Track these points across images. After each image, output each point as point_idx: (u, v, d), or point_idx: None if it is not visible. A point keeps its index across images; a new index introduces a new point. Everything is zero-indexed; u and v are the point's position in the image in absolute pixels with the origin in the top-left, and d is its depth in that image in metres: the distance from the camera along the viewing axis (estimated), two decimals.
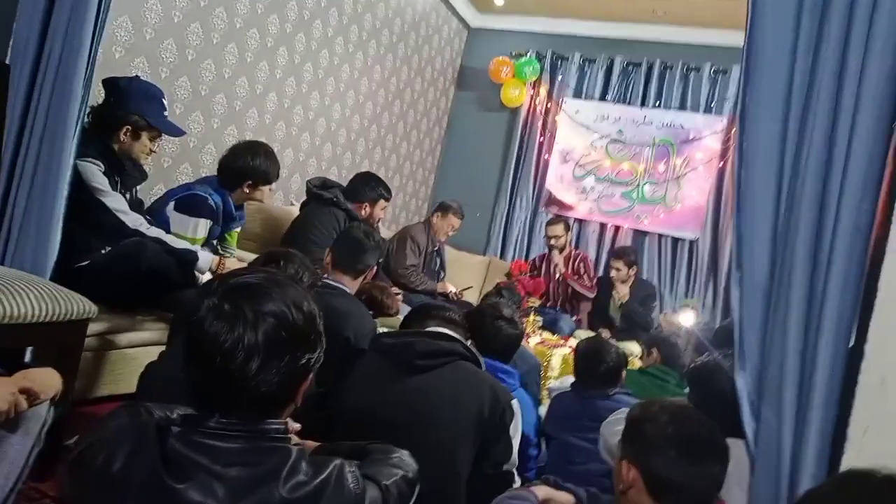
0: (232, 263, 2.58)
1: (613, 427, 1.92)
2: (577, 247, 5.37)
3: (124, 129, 2.30)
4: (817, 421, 1.35)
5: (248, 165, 2.69)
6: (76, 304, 1.89)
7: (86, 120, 2.14)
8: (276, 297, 1.00)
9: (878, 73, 1.35)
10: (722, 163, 5.22)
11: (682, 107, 5.38)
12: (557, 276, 4.77)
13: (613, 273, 4.62)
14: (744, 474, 1.49)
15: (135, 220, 2.29)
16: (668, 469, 1.26)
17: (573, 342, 3.83)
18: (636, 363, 3.39)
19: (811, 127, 1.43)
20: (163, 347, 2.40)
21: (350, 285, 2.35)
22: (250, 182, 2.72)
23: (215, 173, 2.78)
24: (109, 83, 2.33)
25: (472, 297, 4.72)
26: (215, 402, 1.01)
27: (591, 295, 4.76)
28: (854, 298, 1.37)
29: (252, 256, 3.10)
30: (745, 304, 1.52)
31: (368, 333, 2.09)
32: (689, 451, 1.28)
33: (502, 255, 5.77)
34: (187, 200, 2.59)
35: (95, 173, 2.21)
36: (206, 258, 2.45)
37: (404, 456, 1.24)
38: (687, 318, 4.43)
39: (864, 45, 1.38)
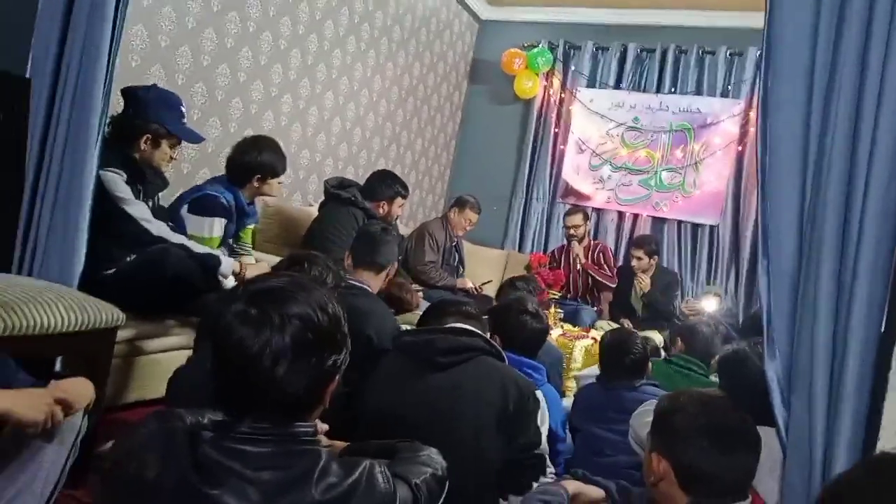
0: (252, 266, 2.60)
1: (643, 419, 1.91)
2: (595, 237, 5.34)
3: (144, 138, 2.33)
4: (849, 409, 1.33)
5: (255, 160, 2.72)
6: (105, 313, 1.91)
7: (106, 130, 2.16)
8: (301, 300, 1.01)
9: None
10: (740, 147, 5.16)
11: (699, 91, 5.32)
12: (578, 266, 4.75)
13: (634, 262, 4.59)
14: (776, 463, 1.48)
15: (159, 228, 2.32)
16: (698, 460, 1.26)
17: (595, 333, 3.82)
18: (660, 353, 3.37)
19: (835, 110, 1.40)
20: (190, 352, 2.43)
21: (372, 283, 2.36)
22: (259, 176, 2.74)
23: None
24: (128, 93, 2.35)
25: (492, 291, 4.71)
26: (244, 406, 1.01)
27: (613, 285, 4.73)
28: (884, 284, 1.35)
29: (272, 258, 3.14)
30: (773, 292, 1.50)
31: (391, 332, 2.10)
32: (719, 441, 1.27)
33: (520, 248, 5.75)
34: (200, 201, 2.62)
35: (118, 183, 2.23)
36: (228, 262, 2.48)
37: (433, 453, 1.25)
38: (710, 304, 4.40)
39: (888, 24, 1.35)
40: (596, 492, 1.51)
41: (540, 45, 5.72)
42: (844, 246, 1.38)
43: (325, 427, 1.38)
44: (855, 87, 1.38)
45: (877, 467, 0.95)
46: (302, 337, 0.99)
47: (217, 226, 2.62)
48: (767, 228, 1.52)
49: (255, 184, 2.75)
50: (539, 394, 1.63)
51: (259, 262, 2.68)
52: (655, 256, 4.65)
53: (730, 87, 5.23)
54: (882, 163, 1.34)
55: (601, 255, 4.80)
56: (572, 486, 1.46)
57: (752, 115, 5.10)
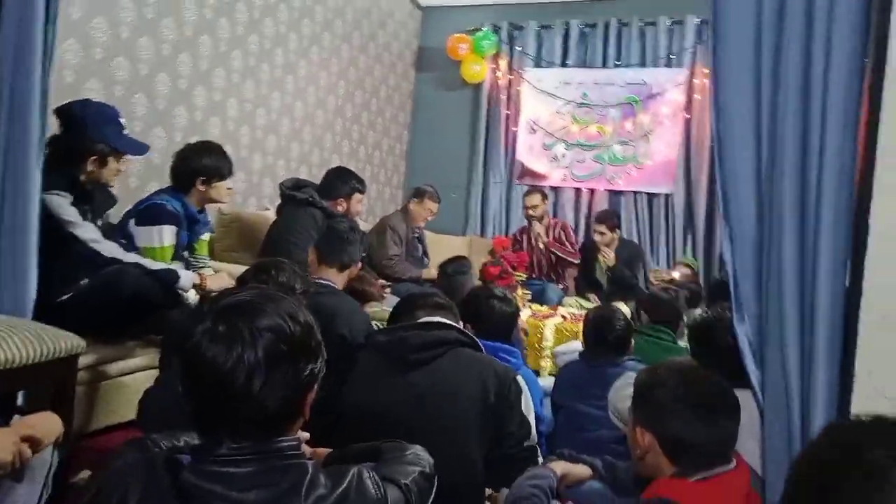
0: (212, 277, 2.54)
1: (621, 392, 1.92)
2: (555, 215, 5.38)
3: (90, 160, 2.25)
4: (823, 364, 1.36)
5: (197, 164, 2.66)
6: (63, 342, 1.84)
7: (45, 151, 2.07)
8: (270, 312, 0.99)
9: (847, 8, 1.35)
10: (688, 114, 5.24)
11: (643, 63, 5.38)
12: (541, 246, 4.78)
13: (598, 237, 4.64)
14: (754, 425, 1.50)
15: (110, 249, 2.25)
16: (683, 431, 1.27)
17: (563, 310, 3.85)
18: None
19: (785, 71, 1.42)
20: (155, 371, 2.37)
21: (337, 280, 2.34)
22: (203, 178, 2.66)
23: None
24: (62, 112, 2.25)
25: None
26: (221, 425, 0.98)
27: (576, 261, 4.78)
28: (846, 237, 1.37)
29: (233, 267, 3.07)
30: (737, 257, 1.52)
31: (363, 327, 2.08)
32: (702, 410, 1.28)
33: (482, 233, 5.77)
34: (146, 211, 2.55)
35: (63, 205, 2.15)
36: (187, 276, 2.42)
37: (419, 451, 1.24)
38: (679, 274, 4.47)
39: None
40: (583, 470, 1.52)
41: (484, 29, 5.71)
42: (804, 204, 1.41)
43: (307, 436, 1.35)
44: (803, 45, 1.39)
45: (836, 437, 0.97)
46: (275, 349, 0.96)
47: (167, 234, 2.54)
48: (727, 194, 1.53)
49: (201, 187, 2.67)
50: (519, 378, 1.62)
51: (219, 273, 2.61)
52: (617, 230, 4.71)
53: (672, 57, 5.31)
54: (835, 117, 1.36)
55: (562, 232, 4.84)
56: (560, 466, 1.46)
57: (697, 82, 5.19)
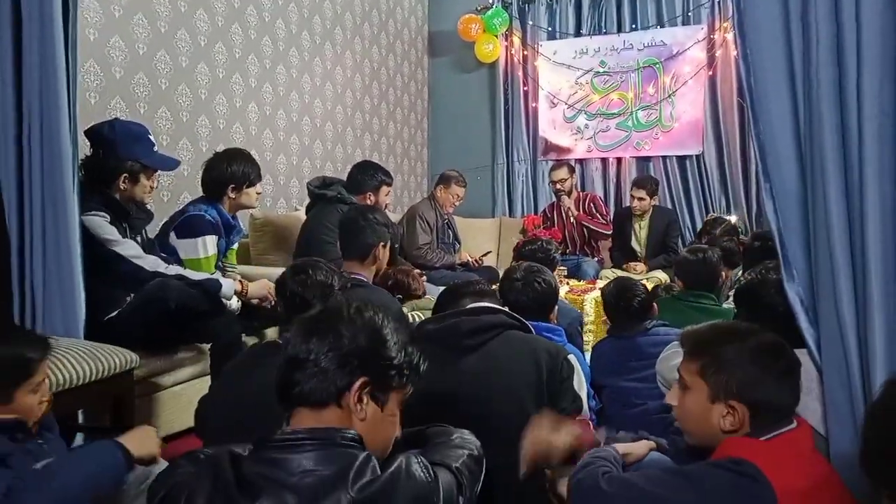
0: (252, 284, 2.57)
1: (669, 362, 1.90)
2: (583, 188, 5.32)
3: (122, 178, 2.29)
4: (879, 316, 1.32)
5: (225, 172, 2.70)
6: (118, 357, 1.89)
7: (80, 174, 2.11)
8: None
9: None
10: (711, 71, 5.12)
11: (660, 23, 5.26)
12: (571, 220, 4.74)
13: (636, 203, 4.57)
14: (812, 383, 1.47)
15: (153, 263, 2.29)
16: (769, 393, 1.21)
17: (601, 284, 3.81)
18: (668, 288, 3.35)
19: (815, 17, 1.37)
20: (207, 379, 2.42)
21: (363, 271, 2.34)
22: (233, 186, 2.70)
23: None
24: (93, 133, 2.30)
25: (492, 261, 4.70)
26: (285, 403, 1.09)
27: (608, 232, 4.72)
28: (892, 182, 1.33)
29: (269, 270, 3.11)
30: (782, 213, 1.49)
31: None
32: (782, 370, 1.24)
33: (511, 213, 5.73)
34: (185, 224, 2.60)
35: (102, 225, 2.19)
36: (228, 284, 2.45)
37: (465, 434, 1.25)
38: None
39: None
40: (642, 447, 1.50)
41: (494, 6, 5.64)
42: (846, 154, 1.36)
43: None
44: None
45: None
46: (372, 324, 1.10)
47: (210, 244, 2.59)
48: (765, 150, 1.50)
49: (231, 195, 2.71)
50: (572, 358, 1.62)
51: (259, 280, 2.65)
52: (656, 196, 4.64)
53: (690, 14, 5.18)
54: (871, 62, 1.31)
55: (591, 204, 4.78)
56: (620, 447, 1.45)
57: (716, 37, 5.07)
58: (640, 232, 4.67)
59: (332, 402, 1.05)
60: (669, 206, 5.17)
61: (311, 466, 0.98)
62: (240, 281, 2.59)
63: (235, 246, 2.95)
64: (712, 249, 2.86)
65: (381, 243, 2.41)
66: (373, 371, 1.08)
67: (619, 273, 4.36)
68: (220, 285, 2.39)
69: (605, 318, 2.75)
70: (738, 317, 1.99)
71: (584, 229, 4.73)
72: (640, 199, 4.54)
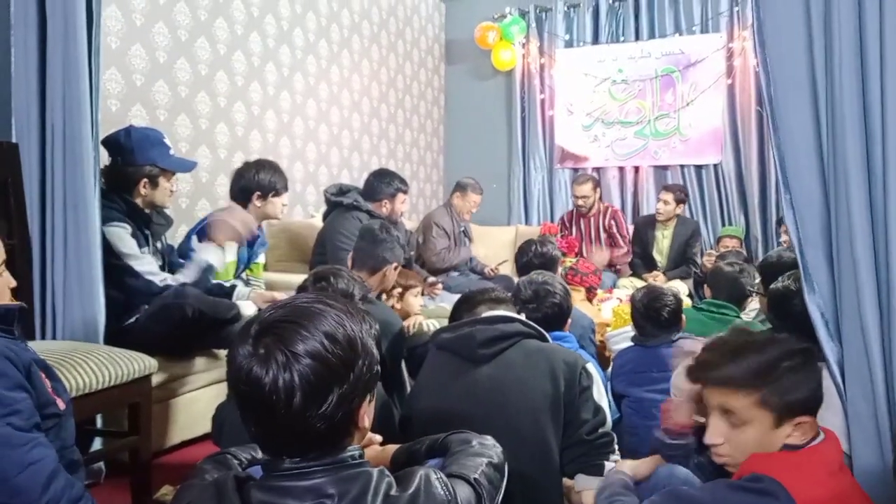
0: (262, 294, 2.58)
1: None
2: (600, 198, 5.28)
3: (142, 183, 2.31)
4: None
5: (252, 180, 2.73)
6: (136, 363, 1.90)
7: (101, 182, 2.14)
8: (307, 334, 0.95)
9: None
10: (730, 80, 5.09)
11: (678, 32, 5.24)
12: (591, 232, 4.70)
13: (661, 206, 4.53)
14: (831, 398, 1.44)
15: (164, 279, 2.30)
16: (798, 392, 1.20)
17: (618, 293, 3.79)
18: (688, 303, 3.33)
19: (837, 25, 1.36)
20: (224, 385, 2.42)
21: (369, 282, 2.33)
22: (259, 194, 2.73)
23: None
24: (109, 142, 2.31)
25: (508, 270, 4.69)
26: (279, 441, 0.97)
27: (627, 260, 4.66)
28: None
29: (288, 278, 3.12)
30: (802, 224, 1.47)
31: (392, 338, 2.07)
32: (815, 376, 1.23)
33: (527, 222, 5.71)
34: (207, 228, 2.60)
35: (122, 237, 2.21)
36: (242, 288, 2.47)
37: (485, 441, 1.22)
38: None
39: None
40: (649, 464, 1.48)
41: (511, 14, 5.64)
42: (870, 162, 1.35)
43: (379, 438, 1.36)
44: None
45: None
46: (310, 372, 0.93)
47: (229, 250, 2.61)
48: (785, 160, 1.48)
49: (257, 203, 2.74)
50: (590, 366, 1.60)
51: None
52: (682, 204, 4.60)
53: (708, 23, 5.15)
54: (894, 64, 1.30)
55: (612, 221, 4.71)
56: (627, 468, 1.43)
57: (735, 46, 5.04)
58: (663, 241, 4.63)
59: (348, 436, 1.01)
60: (687, 214, 5.13)
61: (324, 492, 0.94)
62: (258, 293, 2.59)
63: (261, 260, 2.95)
64: (749, 266, 2.85)
65: (394, 264, 2.40)
66: (368, 385, 1.02)
67: (637, 282, 4.34)
68: (234, 286, 2.42)
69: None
70: (769, 320, 1.96)
71: (601, 237, 4.69)
72: (665, 202, 4.50)
